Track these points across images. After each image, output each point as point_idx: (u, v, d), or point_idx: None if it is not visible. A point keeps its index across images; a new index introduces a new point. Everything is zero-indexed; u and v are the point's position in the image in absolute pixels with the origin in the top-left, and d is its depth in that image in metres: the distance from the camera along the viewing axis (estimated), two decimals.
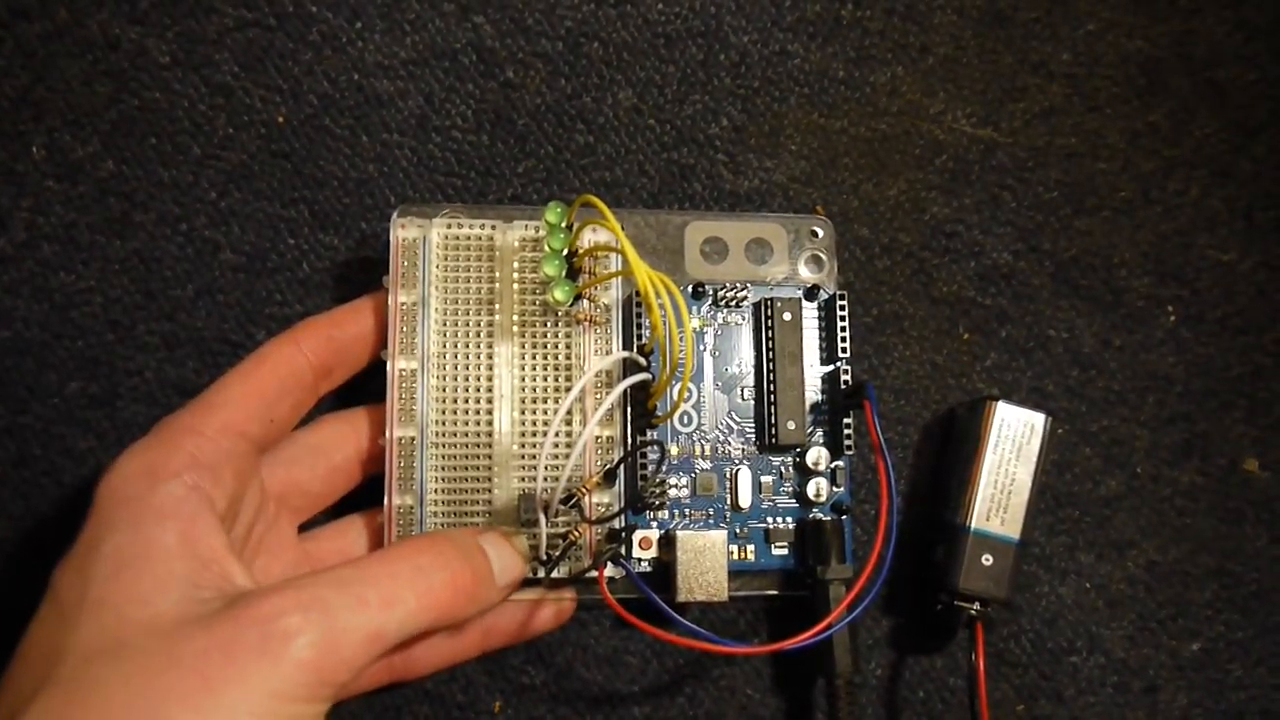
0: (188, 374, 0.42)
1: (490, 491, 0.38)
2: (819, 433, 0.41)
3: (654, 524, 0.40)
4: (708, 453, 0.41)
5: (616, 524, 0.38)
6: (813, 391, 0.41)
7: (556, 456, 0.38)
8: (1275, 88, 0.48)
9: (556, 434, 0.38)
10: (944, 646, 0.43)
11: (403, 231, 0.39)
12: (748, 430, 0.41)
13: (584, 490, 0.37)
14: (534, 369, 0.38)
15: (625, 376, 0.37)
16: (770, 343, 0.41)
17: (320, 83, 0.44)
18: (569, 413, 0.38)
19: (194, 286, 0.42)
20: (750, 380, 0.41)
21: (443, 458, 0.38)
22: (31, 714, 0.27)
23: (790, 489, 0.41)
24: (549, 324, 0.39)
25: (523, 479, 0.38)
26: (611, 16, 0.45)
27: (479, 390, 0.38)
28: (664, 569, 0.39)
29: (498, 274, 0.39)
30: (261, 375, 0.36)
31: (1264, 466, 0.46)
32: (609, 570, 0.38)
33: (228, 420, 0.34)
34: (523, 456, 0.38)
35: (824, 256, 0.43)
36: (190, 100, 0.43)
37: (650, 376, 0.37)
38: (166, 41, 0.43)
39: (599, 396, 0.38)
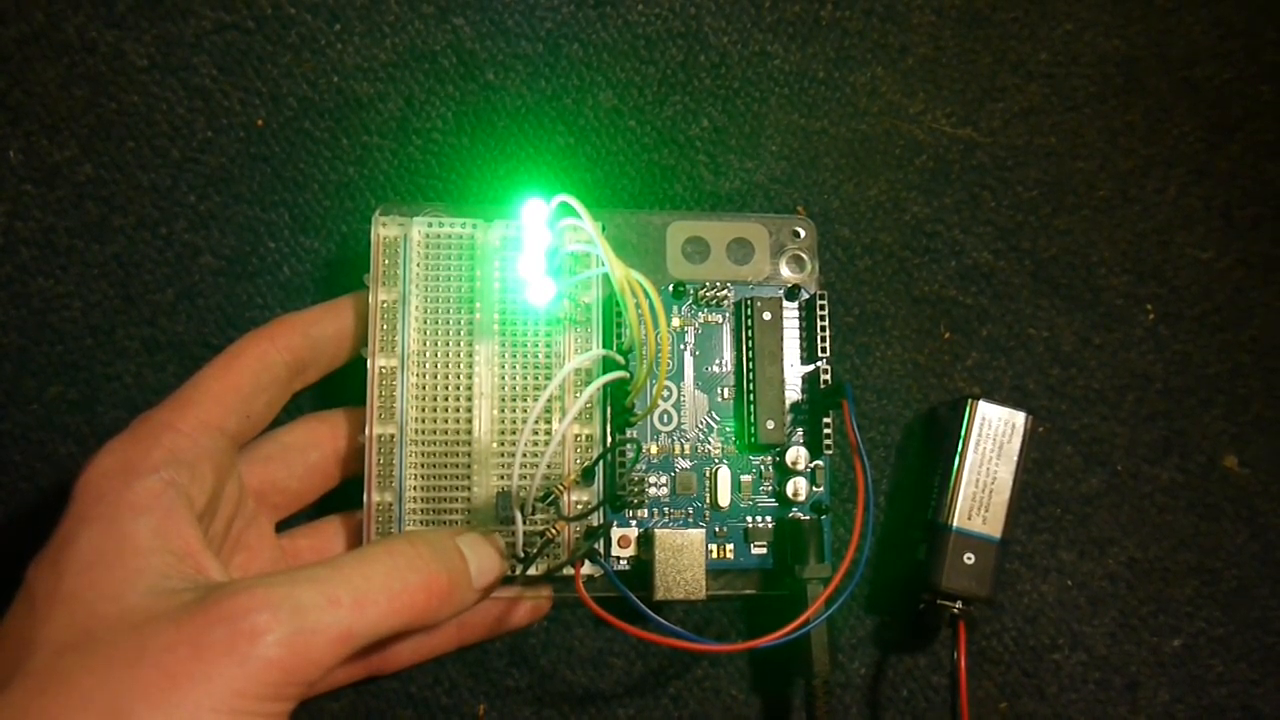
0: (168, 379, 0.42)
1: (469, 489, 0.38)
2: (799, 432, 0.41)
3: (633, 523, 0.40)
4: (687, 451, 0.41)
5: (594, 521, 0.38)
6: (793, 391, 0.41)
7: (534, 453, 0.38)
8: (1251, 86, 0.48)
9: (534, 431, 0.38)
10: (927, 645, 0.43)
11: (384, 230, 0.39)
12: (728, 429, 0.41)
13: (562, 488, 0.37)
14: (513, 367, 0.38)
15: (603, 375, 0.37)
16: (750, 342, 0.41)
17: (299, 85, 0.44)
18: (548, 411, 0.38)
19: (174, 290, 0.42)
20: (731, 380, 0.42)
21: (422, 455, 0.38)
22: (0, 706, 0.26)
23: (770, 488, 0.41)
24: (529, 323, 0.39)
25: (502, 477, 0.38)
26: (591, 18, 0.45)
27: (458, 388, 0.38)
28: (643, 568, 0.39)
29: (478, 272, 0.39)
30: (236, 371, 0.36)
31: (1243, 463, 0.46)
32: (587, 569, 0.38)
33: (205, 416, 0.34)
34: (502, 454, 0.38)
35: (805, 257, 0.43)
36: (169, 103, 0.43)
37: (628, 374, 0.37)
38: (144, 45, 0.43)
39: (578, 395, 0.38)
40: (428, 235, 0.39)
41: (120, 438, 0.32)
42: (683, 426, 0.41)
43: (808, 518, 0.41)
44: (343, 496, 0.39)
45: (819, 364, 0.41)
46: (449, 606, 0.33)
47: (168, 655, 0.26)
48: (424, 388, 0.38)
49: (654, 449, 0.41)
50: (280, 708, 0.28)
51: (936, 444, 0.43)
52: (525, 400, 0.38)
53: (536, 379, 0.38)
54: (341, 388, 0.40)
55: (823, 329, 0.41)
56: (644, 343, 0.35)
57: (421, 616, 0.32)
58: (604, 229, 0.41)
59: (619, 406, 0.39)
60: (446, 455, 0.38)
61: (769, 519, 0.41)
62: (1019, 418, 0.41)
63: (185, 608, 0.28)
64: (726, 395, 0.41)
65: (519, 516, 0.36)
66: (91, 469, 0.31)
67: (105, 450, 0.32)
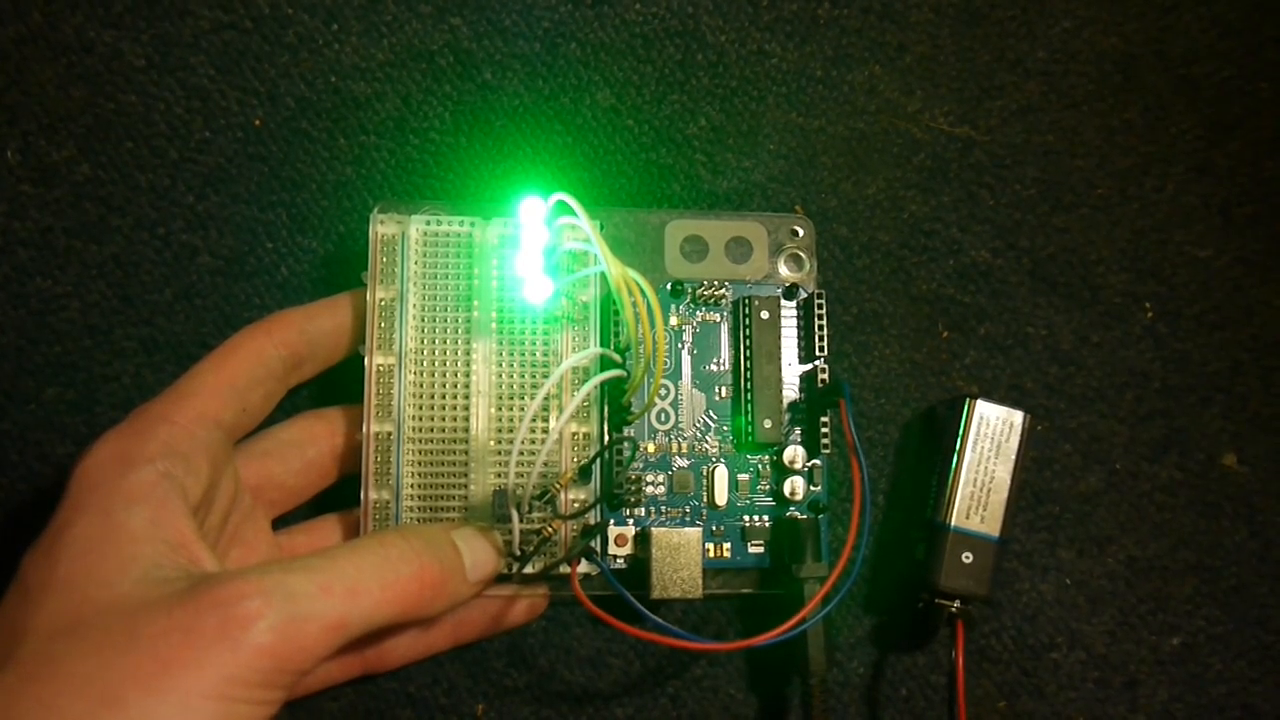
0: (166, 379, 0.42)
1: (466, 487, 0.38)
2: (796, 431, 0.41)
3: (630, 521, 0.40)
4: (685, 450, 0.41)
5: (591, 519, 0.38)
6: (791, 390, 0.41)
7: (531, 451, 0.37)
8: (1250, 84, 0.48)
9: (531, 429, 0.38)
10: (926, 644, 0.43)
11: (382, 228, 0.39)
12: (725, 428, 0.41)
13: (559, 486, 0.37)
14: (511, 365, 0.38)
15: (600, 373, 0.37)
16: (748, 341, 0.41)
17: (297, 85, 0.44)
18: (545, 409, 0.38)
19: (171, 291, 0.42)
20: (729, 379, 0.42)
21: (419, 453, 0.38)
22: None
23: (767, 487, 0.41)
24: (526, 321, 0.39)
25: (499, 474, 0.38)
26: (589, 17, 0.45)
27: (456, 386, 0.38)
28: (640, 566, 0.39)
29: (476, 270, 0.39)
30: (232, 365, 0.36)
31: (1242, 461, 0.46)
32: (584, 567, 0.38)
33: (201, 409, 0.34)
34: (499, 452, 0.38)
35: (804, 256, 0.43)
36: (166, 103, 0.43)
37: (625, 373, 0.37)
38: (142, 45, 0.43)
39: (575, 393, 0.38)
40: (426, 233, 0.39)
41: (117, 429, 0.32)
42: (680, 425, 0.41)
43: (805, 517, 0.41)
44: (340, 496, 0.39)
45: (817, 363, 0.41)
46: (442, 598, 0.33)
47: (160, 641, 0.27)
48: (421, 385, 0.38)
49: (651, 447, 0.41)
50: (271, 695, 0.28)
51: (935, 443, 0.43)
52: (522, 398, 0.38)
53: (534, 377, 0.38)
54: (339, 385, 0.40)
55: (821, 328, 0.41)
56: (641, 341, 0.35)
57: (415, 608, 0.32)
58: (602, 228, 0.41)
59: (616, 405, 0.39)
60: (444, 453, 0.38)
61: (766, 518, 0.41)
62: (1017, 416, 0.41)
63: (178, 595, 0.28)
64: (724, 394, 0.41)
65: (515, 514, 0.36)
66: (87, 459, 0.31)
67: (101, 441, 0.32)
